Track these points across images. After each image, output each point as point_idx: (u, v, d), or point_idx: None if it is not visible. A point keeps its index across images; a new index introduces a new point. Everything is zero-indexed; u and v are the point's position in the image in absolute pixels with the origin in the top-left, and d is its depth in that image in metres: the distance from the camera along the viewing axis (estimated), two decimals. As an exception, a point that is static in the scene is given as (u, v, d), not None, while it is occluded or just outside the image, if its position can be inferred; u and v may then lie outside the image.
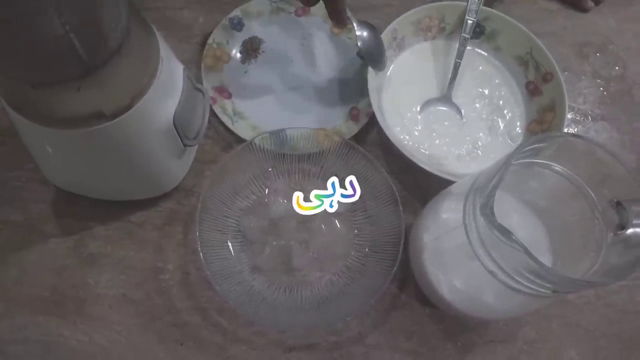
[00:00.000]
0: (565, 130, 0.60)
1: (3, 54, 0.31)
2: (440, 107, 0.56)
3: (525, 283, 0.32)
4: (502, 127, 0.56)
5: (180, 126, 0.43)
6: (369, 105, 0.51)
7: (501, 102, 0.57)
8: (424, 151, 0.53)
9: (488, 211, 0.31)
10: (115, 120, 0.37)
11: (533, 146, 0.33)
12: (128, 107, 0.37)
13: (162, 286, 0.48)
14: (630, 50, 0.65)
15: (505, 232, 0.30)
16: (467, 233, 0.35)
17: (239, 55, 0.57)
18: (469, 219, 0.34)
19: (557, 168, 0.38)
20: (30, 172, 0.50)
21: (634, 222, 0.33)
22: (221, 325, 0.47)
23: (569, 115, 0.61)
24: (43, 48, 0.30)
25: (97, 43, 0.33)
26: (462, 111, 0.56)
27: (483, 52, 0.59)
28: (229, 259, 0.47)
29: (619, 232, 0.34)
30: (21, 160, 0.50)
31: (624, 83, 0.63)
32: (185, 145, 0.45)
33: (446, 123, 0.55)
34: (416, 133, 0.54)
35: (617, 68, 0.64)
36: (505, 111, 0.56)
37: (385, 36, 0.54)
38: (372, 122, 0.53)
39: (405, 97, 0.55)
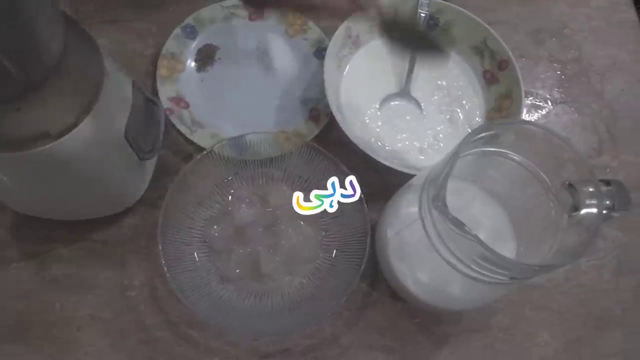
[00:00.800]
0: (526, 116, 0.61)
1: None
2: (400, 102, 0.56)
3: (484, 272, 0.32)
4: (462, 118, 0.56)
5: (133, 140, 0.42)
6: (329, 105, 0.51)
7: (459, 92, 0.57)
8: (386, 147, 0.53)
9: (440, 203, 0.31)
10: (62, 139, 0.36)
11: (480, 135, 0.33)
12: (74, 125, 0.36)
13: (130, 303, 0.47)
14: (584, 32, 0.66)
15: (457, 223, 0.30)
16: (424, 226, 0.35)
17: (194, 64, 0.56)
18: (424, 211, 0.34)
19: (511, 155, 0.38)
20: (-16, 197, 0.48)
21: (586, 202, 0.34)
22: (192, 338, 0.46)
23: (528, 101, 0.62)
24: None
25: (31, 62, 0.32)
26: (422, 104, 0.56)
27: (439, 44, 0.59)
28: (196, 270, 0.47)
29: (573, 214, 0.35)
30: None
31: (581, 65, 0.64)
32: (141, 159, 0.44)
33: (407, 118, 0.55)
34: (377, 130, 0.54)
35: (572, 51, 0.65)
36: (464, 101, 0.57)
37: (339, 35, 0.53)
38: (333, 122, 0.53)
39: (364, 95, 0.55)
